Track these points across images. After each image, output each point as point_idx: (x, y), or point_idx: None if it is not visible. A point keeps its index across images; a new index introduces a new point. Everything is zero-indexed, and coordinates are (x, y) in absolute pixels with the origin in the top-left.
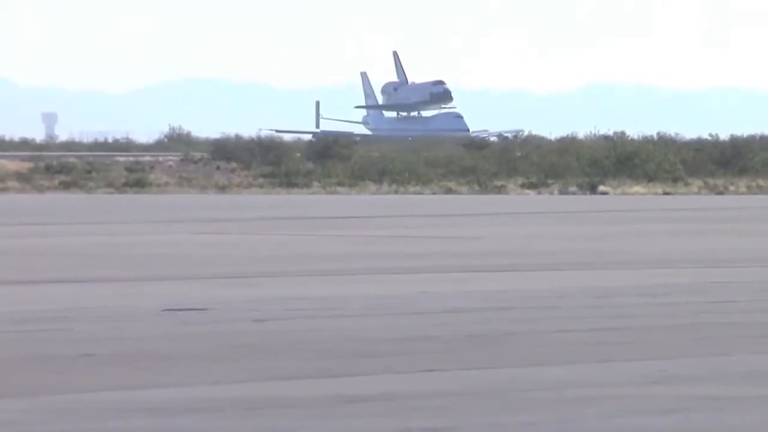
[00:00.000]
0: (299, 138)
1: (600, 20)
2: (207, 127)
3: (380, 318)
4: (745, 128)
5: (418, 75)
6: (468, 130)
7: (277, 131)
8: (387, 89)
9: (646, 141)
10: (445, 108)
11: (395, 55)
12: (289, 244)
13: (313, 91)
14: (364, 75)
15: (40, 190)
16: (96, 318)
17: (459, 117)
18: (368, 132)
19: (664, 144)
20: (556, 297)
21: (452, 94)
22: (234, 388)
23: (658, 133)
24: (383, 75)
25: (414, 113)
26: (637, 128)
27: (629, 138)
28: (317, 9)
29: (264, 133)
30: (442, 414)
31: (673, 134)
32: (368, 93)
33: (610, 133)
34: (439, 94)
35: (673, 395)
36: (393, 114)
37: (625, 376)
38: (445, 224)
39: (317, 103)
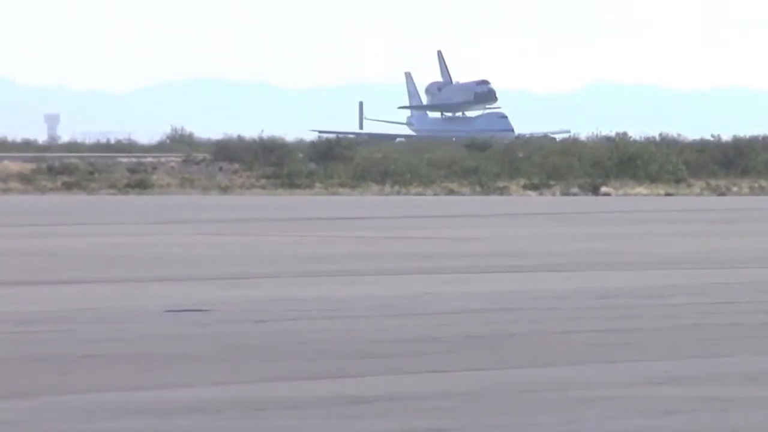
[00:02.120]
0: (301, 139)
1: (601, 20)
2: (209, 128)
3: (383, 319)
4: (747, 129)
5: (418, 75)
6: (513, 130)
7: (321, 132)
8: (431, 89)
9: (649, 142)
10: (490, 108)
11: (440, 54)
12: (291, 245)
13: (314, 91)
14: (408, 75)
15: (43, 191)
16: (98, 319)
17: (504, 117)
18: (412, 133)
19: (667, 145)
20: (559, 298)
21: (496, 94)
22: (236, 389)
23: (660, 134)
24: (373, 75)
25: (458, 113)
26: (640, 129)
27: (631, 139)
28: (317, 9)
29: (312, 135)
30: (445, 415)
31: (675, 135)
32: (412, 93)
33: (612, 134)
34: (484, 94)
35: (676, 396)
36: (437, 114)
37: (628, 377)
38: (448, 225)
39: (360, 104)
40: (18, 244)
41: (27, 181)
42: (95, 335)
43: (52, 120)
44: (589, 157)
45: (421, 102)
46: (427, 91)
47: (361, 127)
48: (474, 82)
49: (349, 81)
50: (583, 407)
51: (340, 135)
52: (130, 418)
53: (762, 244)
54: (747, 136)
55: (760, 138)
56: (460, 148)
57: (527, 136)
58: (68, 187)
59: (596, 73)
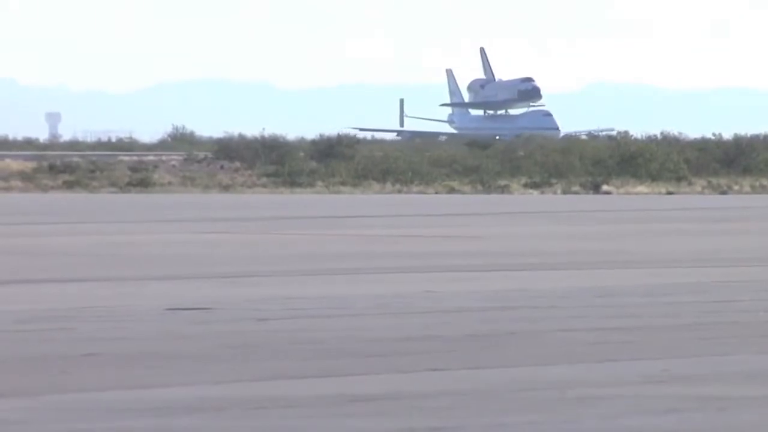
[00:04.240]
0: (302, 137)
1: (601, 20)
2: (210, 127)
3: (383, 317)
4: (748, 127)
5: (416, 76)
6: (558, 128)
7: (361, 129)
8: (473, 86)
9: (650, 140)
10: (534, 106)
11: (482, 51)
12: (292, 244)
13: (314, 91)
14: (449, 72)
15: (44, 189)
16: (99, 318)
17: (548, 115)
18: (454, 131)
19: (668, 143)
20: (559, 297)
21: (541, 92)
22: (237, 388)
23: (661, 133)
24: (372, 75)
25: (501, 111)
26: (641, 128)
27: (633, 137)
28: (317, 9)
29: (349, 132)
30: (445, 414)
31: (676, 133)
32: (453, 90)
33: (614, 132)
34: (528, 91)
35: (676, 395)
36: (479, 112)
37: (628, 376)
38: (448, 224)
39: (401, 101)
40: (19, 242)
41: (28, 179)
42: (96, 334)
43: (53, 119)
44: (590, 155)
45: (463, 99)
46: (469, 88)
47: (401, 124)
48: (518, 79)
49: (349, 81)
50: (582, 406)
51: (379, 132)
52: (130, 417)
53: (763, 243)
54: (748, 135)
55: (761, 137)
56: (462, 147)
57: (572, 134)
58: (69, 185)
59: (596, 73)
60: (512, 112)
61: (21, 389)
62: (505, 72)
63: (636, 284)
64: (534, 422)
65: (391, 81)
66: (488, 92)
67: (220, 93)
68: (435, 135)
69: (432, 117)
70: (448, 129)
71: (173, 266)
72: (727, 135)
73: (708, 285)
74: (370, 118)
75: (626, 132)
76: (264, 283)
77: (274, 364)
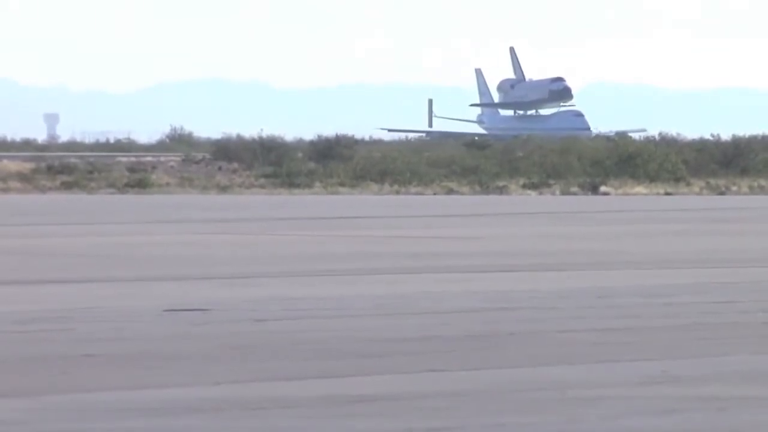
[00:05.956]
0: (301, 138)
1: (601, 20)
2: (209, 128)
3: (382, 318)
4: (747, 128)
5: (416, 76)
6: (589, 128)
7: (390, 130)
8: (503, 86)
9: (648, 141)
10: (565, 106)
11: (512, 51)
12: (290, 245)
13: (314, 91)
14: (478, 72)
15: (42, 190)
16: (97, 318)
17: (580, 115)
18: (483, 131)
19: (666, 144)
20: (558, 297)
21: (572, 92)
22: (235, 389)
23: (659, 134)
24: (373, 75)
25: (531, 111)
26: (641, 128)
27: (631, 138)
28: (316, 9)
29: (377, 132)
30: (444, 414)
31: (674, 134)
32: (483, 90)
33: (612, 133)
34: (559, 91)
35: (675, 396)
36: (509, 112)
37: (627, 377)
38: (447, 225)
39: (430, 102)
40: (17, 243)
41: (26, 180)
42: (95, 335)
43: (51, 119)
44: (589, 156)
45: (492, 99)
46: (499, 88)
47: (430, 125)
48: (548, 79)
49: (349, 81)
50: (582, 407)
51: (410, 133)
52: (130, 418)
53: (761, 244)
54: (746, 136)
55: (760, 137)
56: (460, 147)
57: (603, 134)
58: (67, 186)
59: (596, 73)
60: (543, 112)
61: (21, 389)
62: (504, 72)
63: (636, 284)
64: (533, 423)
65: (391, 81)
66: (518, 92)
67: (219, 93)
68: (464, 135)
69: (461, 117)
70: (477, 129)
71: (172, 267)
72: (727, 135)
73: (707, 285)
74: (370, 118)
75: (624, 132)
76: (263, 283)
77: (273, 365)
